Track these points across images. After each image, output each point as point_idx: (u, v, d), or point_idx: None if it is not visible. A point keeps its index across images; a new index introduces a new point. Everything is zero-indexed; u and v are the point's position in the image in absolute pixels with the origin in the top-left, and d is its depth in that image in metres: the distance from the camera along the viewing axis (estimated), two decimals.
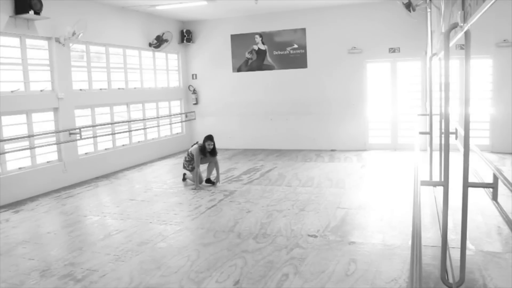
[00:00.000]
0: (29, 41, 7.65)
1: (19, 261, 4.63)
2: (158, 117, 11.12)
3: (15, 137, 7.27)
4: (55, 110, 8.09)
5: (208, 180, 7.75)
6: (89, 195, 7.45)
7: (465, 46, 2.83)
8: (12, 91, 7.30)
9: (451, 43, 3.07)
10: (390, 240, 4.78)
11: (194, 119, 12.40)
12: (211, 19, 11.80)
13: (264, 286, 3.81)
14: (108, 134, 9.40)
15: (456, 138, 5.24)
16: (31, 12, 7.13)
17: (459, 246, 3.17)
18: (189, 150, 7.79)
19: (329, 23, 10.86)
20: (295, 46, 11.26)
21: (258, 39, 11.54)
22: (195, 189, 7.45)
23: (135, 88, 10.33)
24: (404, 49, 10.32)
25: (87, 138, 8.74)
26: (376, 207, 6.08)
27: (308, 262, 4.27)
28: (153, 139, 10.99)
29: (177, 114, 11.99)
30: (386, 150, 10.68)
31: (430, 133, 6.30)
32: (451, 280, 3.31)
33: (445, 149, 3.29)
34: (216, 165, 7.76)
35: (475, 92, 9.51)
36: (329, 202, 6.33)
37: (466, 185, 2.97)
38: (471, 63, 2.90)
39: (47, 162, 7.94)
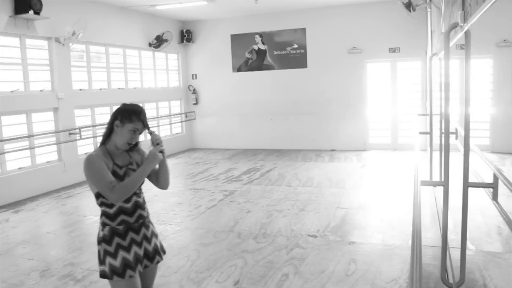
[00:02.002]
0: (29, 41, 7.65)
1: (19, 261, 4.63)
2: (158, 117, 11.11)
3: (15, 137, 7.27)
4: (55, 110, 8.09)
5: None
6: (89, 195, 7.42)
7: (465, 46, 2.83)
8: (12, 91, 7.30)
9: (451, 43, 3.07)
10: (390, 240, 4.78)
11: (194, 119, 12.39)
12: (211, 19, 11.80)
13: (264, 286, 3.80)
14: None
15: (456, 138, 5.24)
16: (31, 12, 7.12)
17: (459, 246, 3.17)
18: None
19: (329, 23, 10.86)
20: (295, 46, 11.25)
21: (258, 39, 11.54)
22: None
23: (135, 88, 10.33)
24: (404, 49, 10.31)
25: (87, 138, 8.73)
26: (376, 207, 6.08)
27: (308, 262, 4.27)
28: None
29: (177, 114, 11.99)
30: (386, 150, 10.67)
31: (430, 133, 6.30)
32: (451, 280, 3.30)
33: (445, 149, 3.28)
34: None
35: (475, 92, 9.50)
36: (329, 202, 6.33)
37: (466, 185, 2.96)
38: (471, 63, 2.90)
39: (47, 162, 7.94)
